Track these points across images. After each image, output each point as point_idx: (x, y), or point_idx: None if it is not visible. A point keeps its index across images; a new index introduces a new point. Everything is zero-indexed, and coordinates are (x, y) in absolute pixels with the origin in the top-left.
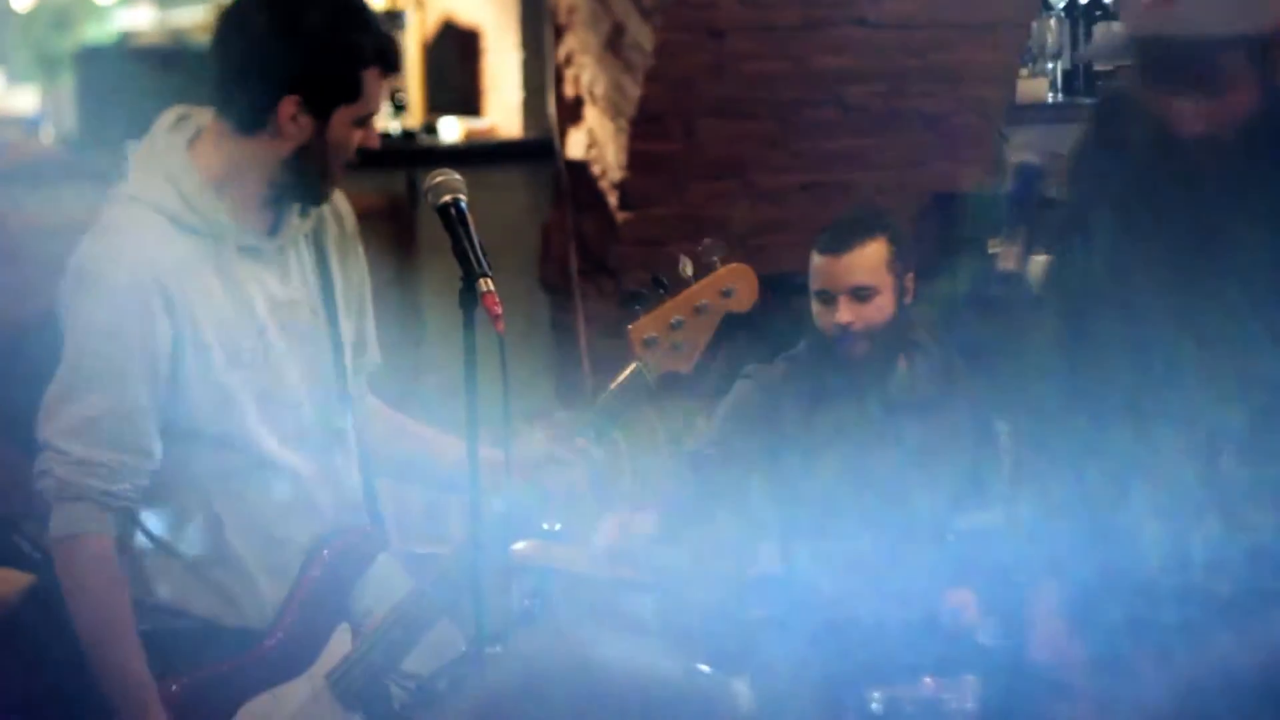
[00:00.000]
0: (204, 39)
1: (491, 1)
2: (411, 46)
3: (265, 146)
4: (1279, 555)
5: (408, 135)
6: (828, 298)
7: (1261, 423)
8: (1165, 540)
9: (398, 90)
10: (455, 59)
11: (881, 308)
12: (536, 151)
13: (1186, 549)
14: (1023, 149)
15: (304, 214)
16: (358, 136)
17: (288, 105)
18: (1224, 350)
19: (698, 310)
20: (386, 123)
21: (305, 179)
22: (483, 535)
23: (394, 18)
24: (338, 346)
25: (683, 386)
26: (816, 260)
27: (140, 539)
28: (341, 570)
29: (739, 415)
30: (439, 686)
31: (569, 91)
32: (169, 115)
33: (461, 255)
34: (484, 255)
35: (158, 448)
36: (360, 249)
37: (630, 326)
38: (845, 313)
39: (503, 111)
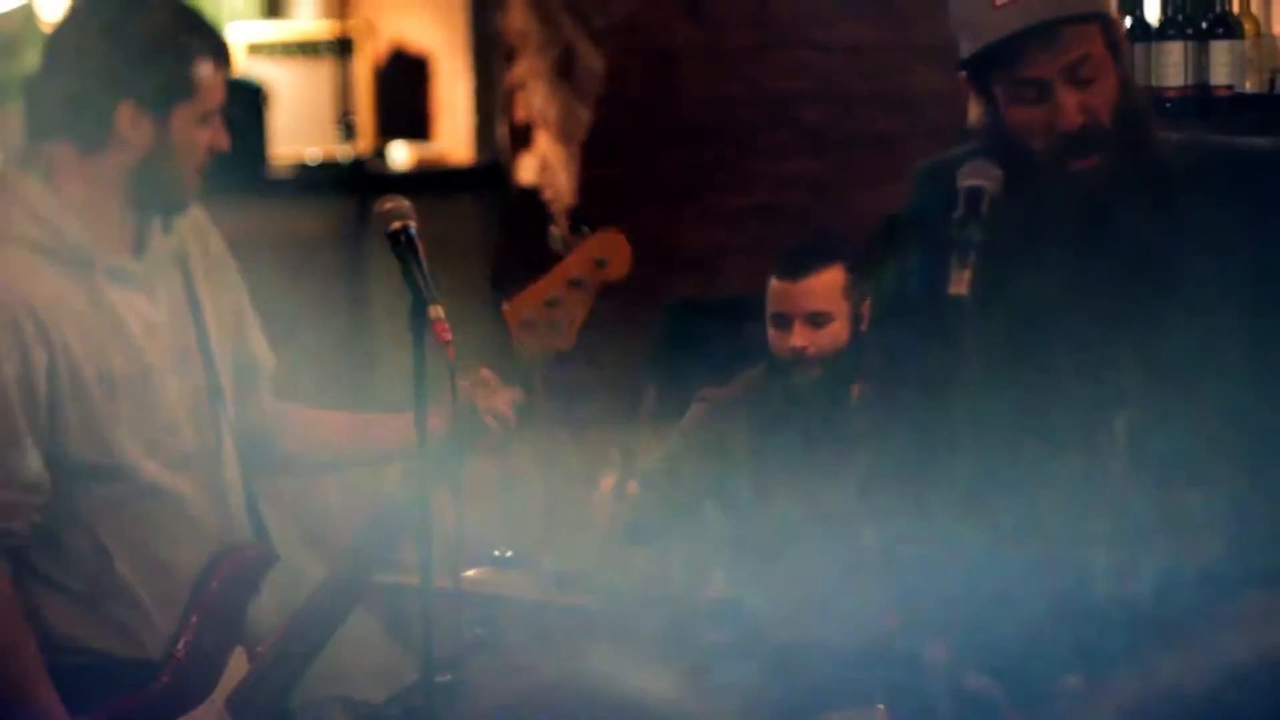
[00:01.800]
0: None
1: (442, 27)
2: (362, 72)
3: (112, 161)
4: (1228, 581)
5: (357, 161)
6: (783, 321)
7: (1211, 449)
8: (1115, 567)
9: (348, 114)
10: (405, 85)
11: (836, 334)
12: (487, 177)
13: (1137, 576)
14: (972, 173)
15: (166, 230)
16: (205, 136)
17: (125, 111)
18: (1173, 377)
19: (572, 284)
20: (336, 148)
21: (159, 188)
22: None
23: (344, 44)
24: (211, 365)
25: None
26: (774, 284)
27: (28, 575)
28: (234, 592)
29: (690, 437)
30: (391, 713)
31: (520, 117)
32: (16, 150)
33: (411, 282)
34: (433, 281)
35: (46, 480)
36: (230, 264)
37: (504, 307)
38: (800, 337)
39: (453, 137)
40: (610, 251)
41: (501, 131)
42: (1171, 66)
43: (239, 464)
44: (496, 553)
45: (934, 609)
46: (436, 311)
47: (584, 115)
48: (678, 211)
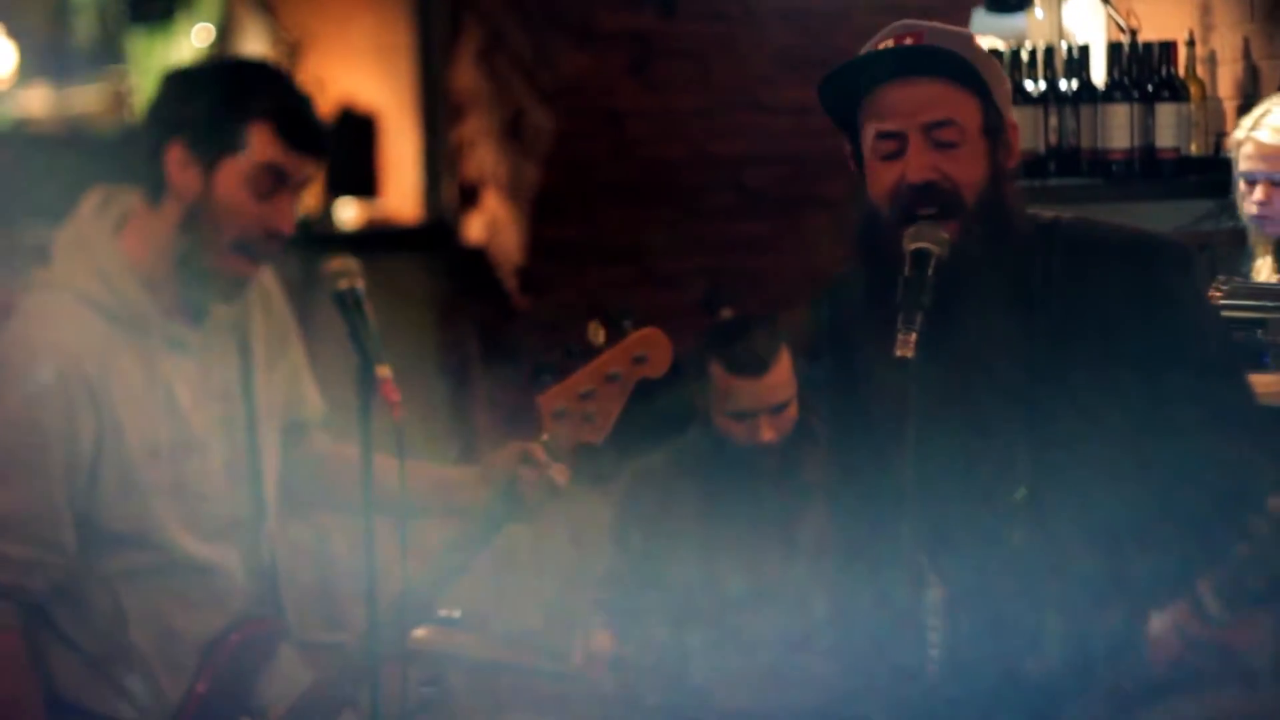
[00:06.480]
0: (100, 124)
1: (390, 85)
2: None
3: (168, 212)
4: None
5: (304, 220)
6: (746, 416)
7: (1158, 510)
8: (1066, 633)
9: None
10: (353, 143)
11: (793, 413)
12: (435, 236)
13: (1088, 642)
14: (918, 235)
15: (209, 292)
16: (259, 209)
17: (174, 152)
18: (1120, 437)
19: (609, 379)
20: None
21: (199, 250)
22: (381, 620)
23: None
24: (255, 434)
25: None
26: (732, 382)
27: (43, 632)
28: (243, 663)
29: (632, 513)
30: None
31: (468, 175)
32: (93, 197)
33: (358, 342)
34: (380, 341)
35: (72, 543)
36: (290, 323)
37: (539, 397)
38: (768, 431)
39: (401, 195)
40: (650, 348)
41: (449, 190)
42: (1117, 129)
43: (271, 535)
44: (444, 613)
45: (885, 675)
46: (384, 372)
47: (532, 174)
48: (623, 273)
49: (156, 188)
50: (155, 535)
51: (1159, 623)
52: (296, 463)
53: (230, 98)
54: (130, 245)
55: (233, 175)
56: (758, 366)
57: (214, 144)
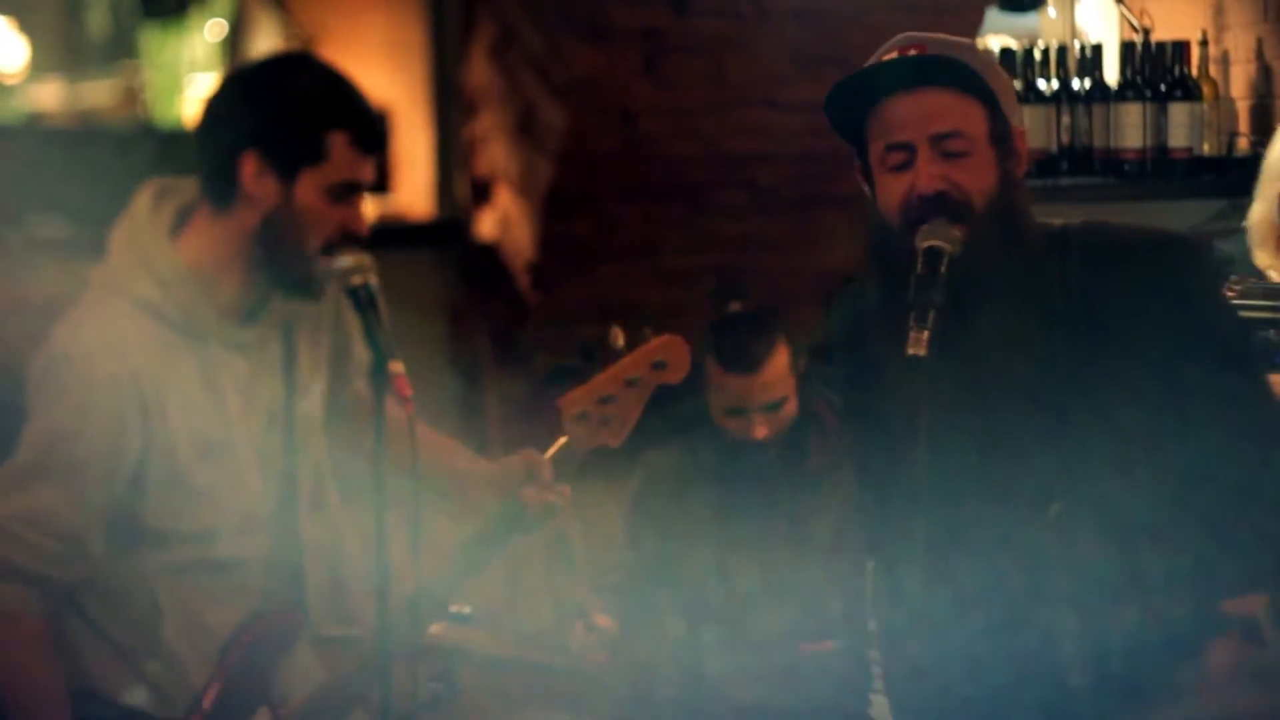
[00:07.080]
0: (113, 119)
1: (402, 81)
2: None
3: (240, 220)
4: (1194, 645)
5: None
6: (740, 413)
7: (1173, 510)
8: (1082, 631)
9: None
10: None
11: (790, 412)
12: (447, 231)
13: (1103, 640)
14: (930, 233)
15: (289, 295)
16: (337, 213)
17: (249, 162)
18: (1135, 436)
19: (629, 384)
20: None
21: (281, 255)
22: (393, 617)
23: None
24: (293, 426)
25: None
26: (725, 378)
27: (76, 624)
28: (262, 655)
29: (645, 508)
30: None
31: (480, 171)
32: (147, 192)
33: (371, 338)
34: (393, 337)
35: (99, 544)
36: (339, 316)
37: (560, 400)
38: (761, 429)
39: (413, 191)
40: (670, 355)
41: (462, 186)
42: (1130, 128)
43: (301, 530)
44: (455, 609)
45: (899, 672)
46: (397, 367)
47: (545, 171)
48: (634, 269)
49: (225, 193)
50: (198, 533)
51: (1215, 652)
52: (341, 404)
53: (307, 108)
54: (190, 247)
55: (312, 185)
56: (750, 364)
57: (294, 155)
